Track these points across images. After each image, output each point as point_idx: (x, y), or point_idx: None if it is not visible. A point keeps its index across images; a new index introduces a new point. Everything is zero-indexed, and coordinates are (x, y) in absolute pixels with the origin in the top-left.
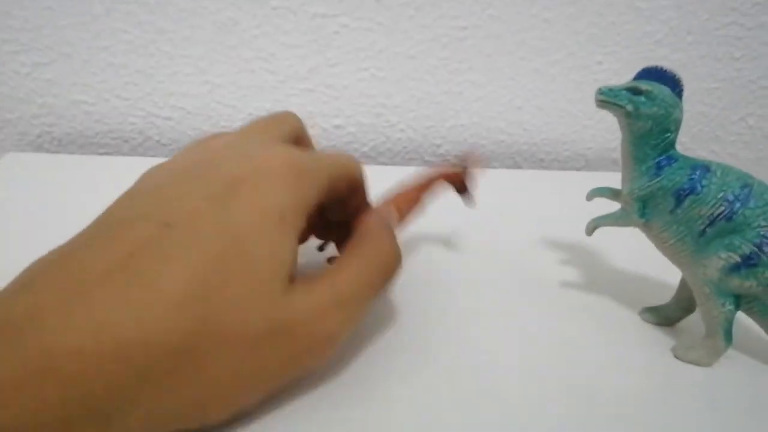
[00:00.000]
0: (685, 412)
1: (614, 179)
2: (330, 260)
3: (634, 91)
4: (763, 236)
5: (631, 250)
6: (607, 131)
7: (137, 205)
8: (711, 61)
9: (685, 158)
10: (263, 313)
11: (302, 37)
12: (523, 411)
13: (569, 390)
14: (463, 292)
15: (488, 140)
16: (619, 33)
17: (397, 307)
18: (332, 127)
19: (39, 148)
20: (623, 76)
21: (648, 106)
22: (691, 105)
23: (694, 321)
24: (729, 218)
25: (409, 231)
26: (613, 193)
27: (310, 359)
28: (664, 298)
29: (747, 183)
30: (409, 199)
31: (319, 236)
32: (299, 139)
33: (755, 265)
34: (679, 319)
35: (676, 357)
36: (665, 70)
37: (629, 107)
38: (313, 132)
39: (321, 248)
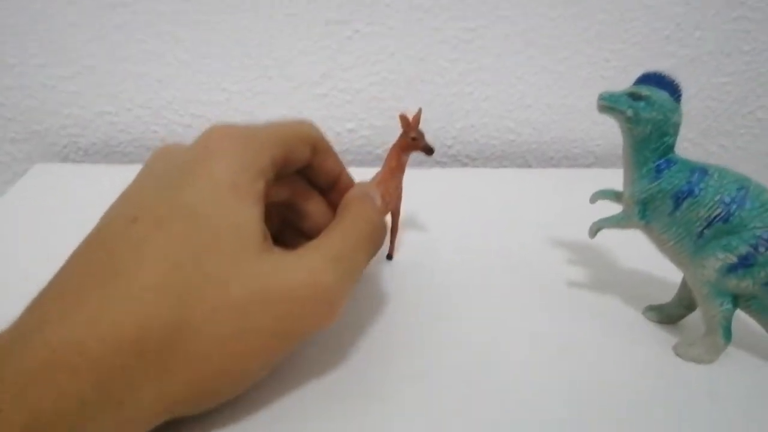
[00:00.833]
0: (686, 408)
1: (622, 176)
2: None
3: (634, 96)
4: (759, 237)
5: (635, 249)
6: (615, 127)
7: (113, 207)
8: (719, 56)
9: (684, 161)
10: (241, 278)
11: (315, 43)
12: (528, 404)
13: (573, 386)
14: (473, 290)
15: (499, 140)
16: (626, 30)
17: (406, 306)
18: (346, 130)
19: (65, 159)
20: (631, 72)
21: (647, 111)
22: (700, 100)
23: (695, 319)
24: (726, 220)
25: (420, 231)
26: (615, 196)
27: (316, 317)
28: (667, 296)
29: (743, 185)
30: (386, 180)
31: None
32: (316, 146)
33: (752, 265)
34: (681, 317)
35: (678, 354)
36: (664, 76)
37: (629, 112)
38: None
39: None
